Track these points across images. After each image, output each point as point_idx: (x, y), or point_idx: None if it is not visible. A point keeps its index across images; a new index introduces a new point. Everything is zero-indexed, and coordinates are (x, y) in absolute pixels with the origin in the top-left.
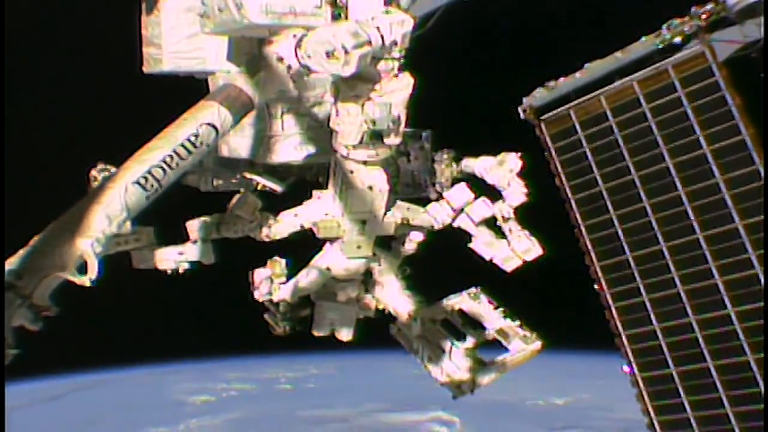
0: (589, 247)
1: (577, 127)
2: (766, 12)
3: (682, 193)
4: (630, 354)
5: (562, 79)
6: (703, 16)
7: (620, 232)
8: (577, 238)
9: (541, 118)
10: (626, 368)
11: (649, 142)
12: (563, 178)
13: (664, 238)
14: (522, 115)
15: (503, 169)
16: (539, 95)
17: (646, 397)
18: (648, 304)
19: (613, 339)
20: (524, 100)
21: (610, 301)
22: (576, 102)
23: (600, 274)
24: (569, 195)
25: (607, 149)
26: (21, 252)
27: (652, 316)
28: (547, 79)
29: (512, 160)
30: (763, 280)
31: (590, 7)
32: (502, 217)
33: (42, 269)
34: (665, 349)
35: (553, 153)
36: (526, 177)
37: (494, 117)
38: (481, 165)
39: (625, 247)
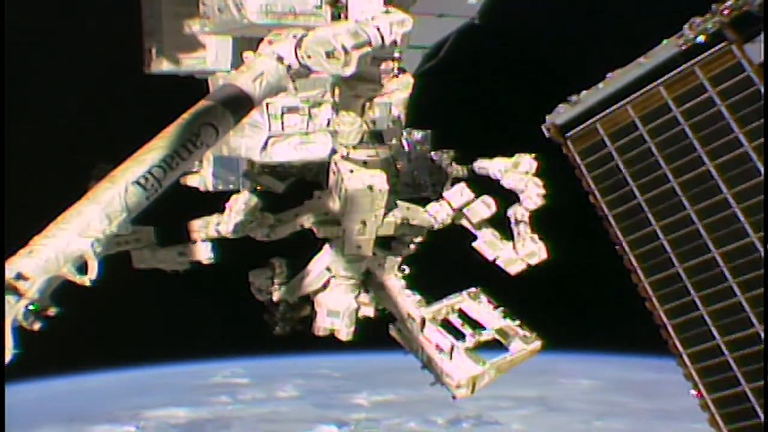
0: (634, 263)
1: (606, 140)
2: (765, 14)
3: (728, 196)
4: (695, 375)
5: (584, 92)
6: (725, 12)
7: (666, 244)
8: (620, 255)
9: (567, 135)
10: (693, 392)
11: (685, 147)
12: (597, 195)
13: (715, 245)
14: (546, 134)
15: (518, 171)
16: (562, 111)
17: (720, 421)
18: (707, 318)
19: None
20: (547, 118)
21: (665, 319)
22: (602, 114)
23: (650, 291)
24: (606, 211)
25: (641, 159)
26: (22, 252)
27: (714, 330)
28: (568, 94)
29: (527, 162)
30: None
31: (603, 15)
32: (515, 219)
33: (44, 270)
34: (733, 364)
35: (584, 170)
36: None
37: (502, 120)
38: (495, 167)
39: (674, 260)
